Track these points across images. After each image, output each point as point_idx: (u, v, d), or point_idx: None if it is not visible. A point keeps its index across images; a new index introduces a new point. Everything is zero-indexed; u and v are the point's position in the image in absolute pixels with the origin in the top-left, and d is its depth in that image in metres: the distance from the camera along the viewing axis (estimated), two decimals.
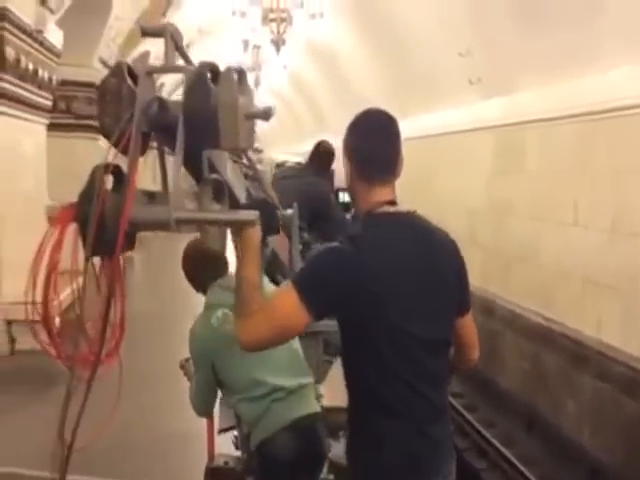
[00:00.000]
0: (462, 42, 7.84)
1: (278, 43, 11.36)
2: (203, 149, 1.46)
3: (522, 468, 5.51)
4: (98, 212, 1.30)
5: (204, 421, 2.51)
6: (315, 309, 1.42)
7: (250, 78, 17.08)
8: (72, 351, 1.37)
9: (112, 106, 1.37)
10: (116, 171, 1.40)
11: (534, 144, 6.83)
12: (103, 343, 1.39)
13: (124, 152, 1.36)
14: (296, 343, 2.18)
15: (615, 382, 5.02)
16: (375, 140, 1.55)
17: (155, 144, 1.51)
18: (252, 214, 1.44)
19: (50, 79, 6.20)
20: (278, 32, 11.14)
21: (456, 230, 1.71)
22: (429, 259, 1.51)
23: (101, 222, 1.31)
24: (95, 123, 6.63)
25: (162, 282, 8.09)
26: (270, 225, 1.52)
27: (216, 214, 1.49)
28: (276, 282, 2.29)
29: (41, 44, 5.81)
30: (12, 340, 5.25)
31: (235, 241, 1.53)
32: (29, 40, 5.52)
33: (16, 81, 5.29)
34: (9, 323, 5.23)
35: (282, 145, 26.65)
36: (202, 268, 2.29)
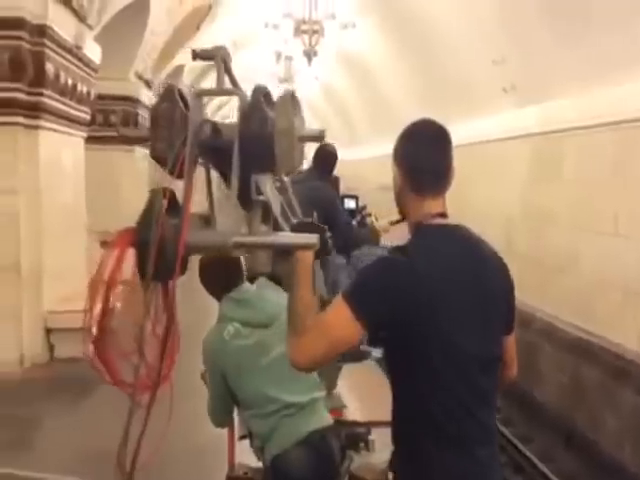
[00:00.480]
0: (496, 50, 7.76)
1: (310, 54, 11.45)
2: (256, 173, 1.45)
3: None
4: (158, 237, 1.30)
5: (225, 432, 2.50)
6: (368, 321, 1.38)
7: (282, 90, 17.19)
8: (130, 377, 1.36)
9: (165, 131, 1.37)
10: (169, 195, 1.40)
11: (572, 152, 6.69)
12: (162, 368, 1.37)
13: (179, 176, 1.36)
14: None
15: None
16: (429, 150, 1.51)
17: (200, 165, 1.50)
18: (314, 238, 1.42)
19: (88, 93, 6.37)
20: (310, 44, 11.23)
21: (492, 239, 1.67)
22: (479, 274, 1.48)
23: (161, 247, 1.31)
24: (131, 134, 6.70)
25: (190, 292, 8.15)
26: (322, 247, 1.50)
27: (277, 238, 1.47)
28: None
29: (80, 60, 5.97)
30: (51, 348, 5.37)
31: (281, 263, 1.52)
32: (68, 56, 5.68)
33: (56, 96, 5.44)
34: (48, 331, 5.34)
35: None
36: (215, 279, 2.26)
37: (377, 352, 2.65)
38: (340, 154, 4.20)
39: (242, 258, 2.22)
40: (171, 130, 1.37)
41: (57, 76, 5.41)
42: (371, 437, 2.53)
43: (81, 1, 5.77)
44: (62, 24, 5.43)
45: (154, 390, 1.37)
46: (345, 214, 3.95)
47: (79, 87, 6.02)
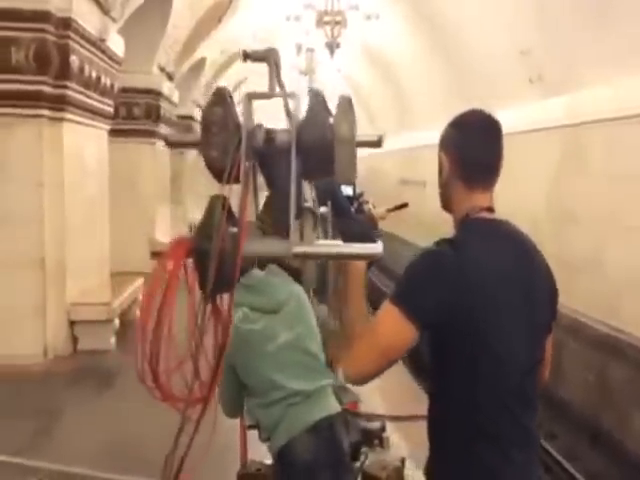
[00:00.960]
0: (523, 39, 7.61)
1: (332, 46, 11.36)
2: (311, 181, 1.41)
3: None
4: (219, 249, 1.24)
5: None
6: (420, 319, 1.32)
7: (304, 82, 17.14)
8: (181, 392, 1.31)
9: (219, 138, 1.31)
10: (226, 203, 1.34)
11: (600, 144, 6.54)
12: (216, 384, 1.33)
13: (235, 182, 1.30)
14: (313, 346, 2.12)
15: None
16: (482, 142, 1.45)
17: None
18: (379, 248, 1.36)
19: (112, 86, 6.39)
20: (332, 35, 11.15)
21: None
22: (527, 272, 1.43)
23: (221, 259, 1.25)
24: (152, 128, 6.66)
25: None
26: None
27: (341, 248, 1.41)
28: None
29: (104, 52, 5.99)
30: (74, 340, 5.42)
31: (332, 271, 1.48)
32: (93, 49, 5.70)
33: (80, 89, 5.47)
34: (72, 323, 5.40)
35: None
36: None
37: None
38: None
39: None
40: (224, 136, 1.31)
41: (81, 69, 5.44)
42: (385, 434, 2.49)
43: None
44: (86, 17, 5.45)
45: (205, 404, 1.33)
46: (345, 200, 3.93)
47: (103, 80, 6.04)
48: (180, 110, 11.16)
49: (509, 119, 8.64)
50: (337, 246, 1.42)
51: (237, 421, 2.35)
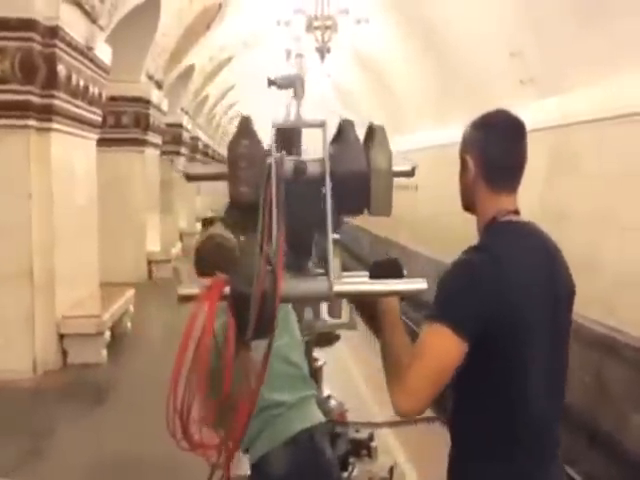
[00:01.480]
0: (514, 42, 7.61)
1: (323, 51, 11.34)
2: (344, 214, 1.31)
3: None
4: (261, 293, 1.15)
5: None
6: (468, 331, 1.27)
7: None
8: (211, 440, 1.27)
9: (248, 172, 1.24)
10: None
11: (592, 145, 6.53)
12: (245, 431, 1.26)
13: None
14: (296, 356, 2.08)
15: None
16: (508, 145, 1.42)
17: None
18: (423, 282, 1.26)
19: (100, 95, 6.32)
20: (323, 40, 11.13)
21: None
22: (554, 276, 1.40)
23: (262, 302, 1.16)
24: (141, 136, 6.58)
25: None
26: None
27: (383, 285, 1.31)
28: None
29: (91, 61, 5.92)
30: (64, 353, 5.32)
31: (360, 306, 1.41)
32: (80, 57, 5.62)
33: (68, 98, 5.39)
34: (61, 337, 5.30)
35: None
36: (211, 267, 2.17)
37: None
38: None
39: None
40: (253, 171, 1.23)
41: (69, 78, 5.36)
42: (373, 443, 2.44)
43: (92, 2, 5.72)
44: (73, 25, 5.38)
45: (232, 452, 1.28)
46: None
47: (91, 89, 5.97)
48: (169, 118, 11.09)
49: None
50: (380, 284, 1.33)
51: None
